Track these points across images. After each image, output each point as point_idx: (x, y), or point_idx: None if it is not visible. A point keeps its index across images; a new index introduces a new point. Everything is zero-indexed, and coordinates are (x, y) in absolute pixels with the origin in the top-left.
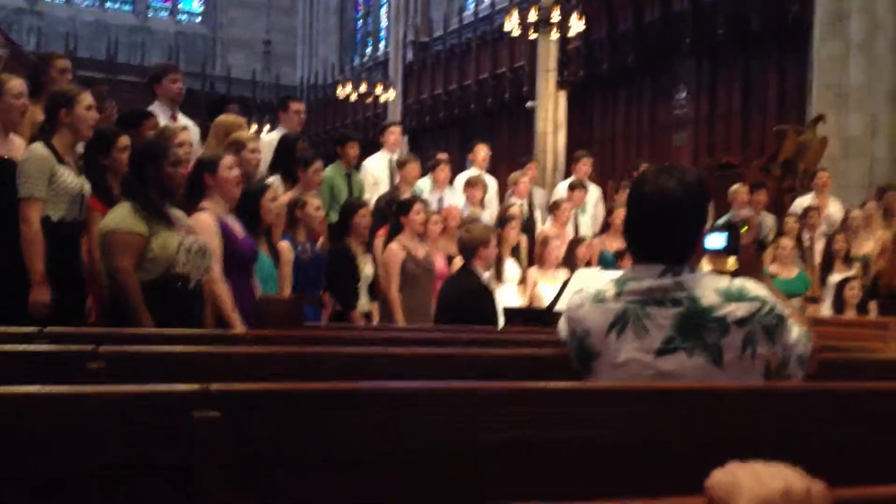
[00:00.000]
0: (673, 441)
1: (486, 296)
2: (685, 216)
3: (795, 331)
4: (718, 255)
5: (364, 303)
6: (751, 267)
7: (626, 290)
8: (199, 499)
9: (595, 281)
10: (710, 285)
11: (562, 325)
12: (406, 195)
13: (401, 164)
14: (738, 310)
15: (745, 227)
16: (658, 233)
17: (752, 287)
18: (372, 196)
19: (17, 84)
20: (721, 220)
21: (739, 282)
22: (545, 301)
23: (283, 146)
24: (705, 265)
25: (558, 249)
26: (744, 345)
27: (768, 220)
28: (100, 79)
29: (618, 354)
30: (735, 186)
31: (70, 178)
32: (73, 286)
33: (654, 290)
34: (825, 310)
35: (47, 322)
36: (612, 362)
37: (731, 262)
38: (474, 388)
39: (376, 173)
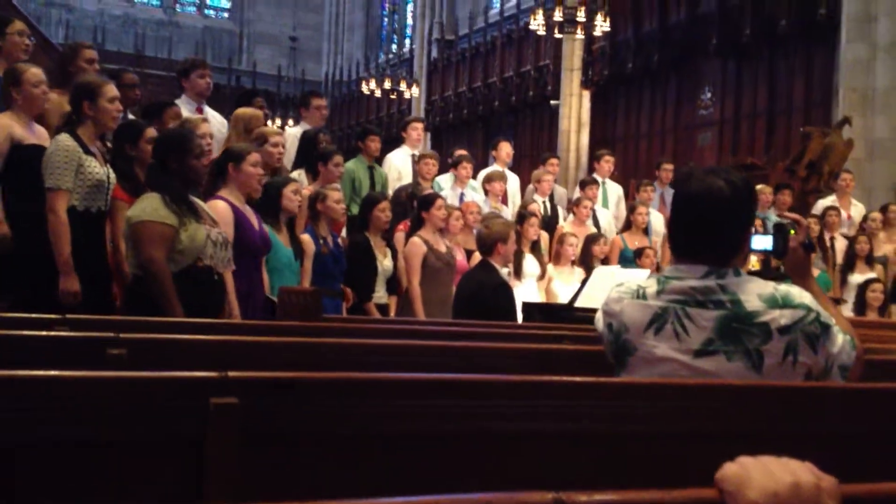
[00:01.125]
0: (691, 435)
1: (504, 290)
2: (732, 216)
3: (840, 339)
4: (765, 256)
5: (381, 295)
6: (799, 270)
7: (667, 288)
8: (212, 478)
9: (615, 278)
10: (755, 290)
11: (598, 319)
12: (425, 189)
13: (418, 160)
14: (781, 317)
15: (793, 231)
16: (703, 232)
17: (797, 294)
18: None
19: (35, 72)
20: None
21: (784, 288)
22: (559, 298)
23: (305, 141)
24: None
25: (574, 247)
26: (785, 352)
27: None
28: (129, 71)
29: (654, 352)
30: (759, 187)
31: (96, 168)
32: (98, 275)
33: (696, 291)
34: (846, 311)
35: (74, 310)
36: (647, 359)
37: (754, 261)
38: (484, 381)
39: (400, 167)
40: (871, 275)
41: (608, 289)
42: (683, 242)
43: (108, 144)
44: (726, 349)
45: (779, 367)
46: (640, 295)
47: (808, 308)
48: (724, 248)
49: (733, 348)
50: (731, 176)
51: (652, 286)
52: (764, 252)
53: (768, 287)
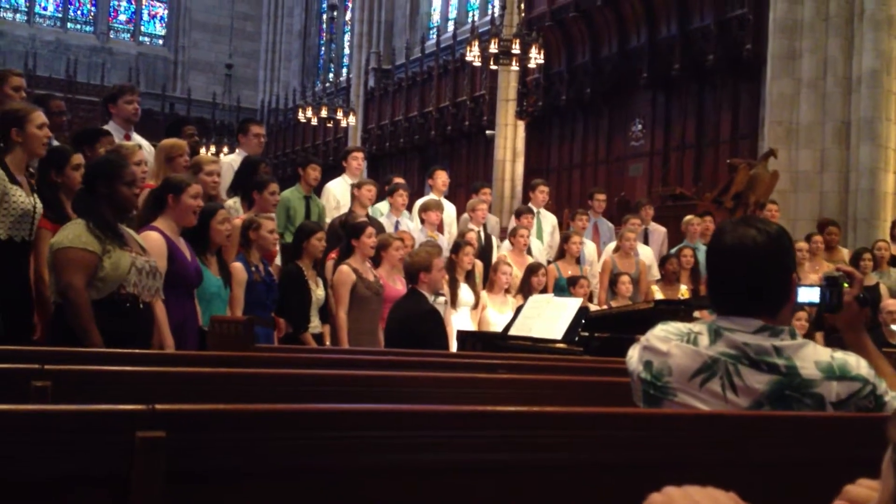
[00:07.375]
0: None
1: (432, 317)
2: (771, 264)
3: (892, 409)
4: (815, 309)
5: (315, 324)
6: (853, 325)
7: (720, 339)
8: None
9: (550, 307)
10: (811, 356)
11: (634, 355)
12: (361, 217)
13: (356, 186)
14: (837, 390)
15: (847, 284)
16: (745, 285)
17: (854, 364)
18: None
19: None
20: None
21: (841, 356)
22: (492, 325)
23: (246, 168)
24: (657, 293)
25: (508, 275)
26: None
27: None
28: (58, 97)
29: (696, 402)
30: (688, 217)
31: (22, 198)
32: (20, 305)
33: (749, 348)
34: None
35: None
36: (687, 407)
37: (684, 290)
38: (418, 412)
39: (339, 196)
40: None
41: (543, 317)
42: (726, 298)
43: (32, 170)
44: None
45: None
46: (690, 340)
47: (864, 381)
48: (770, 299)
49: None
50: (765, 225)
51: (703, 333)
52: (810, 305)
53: (825, 354)
